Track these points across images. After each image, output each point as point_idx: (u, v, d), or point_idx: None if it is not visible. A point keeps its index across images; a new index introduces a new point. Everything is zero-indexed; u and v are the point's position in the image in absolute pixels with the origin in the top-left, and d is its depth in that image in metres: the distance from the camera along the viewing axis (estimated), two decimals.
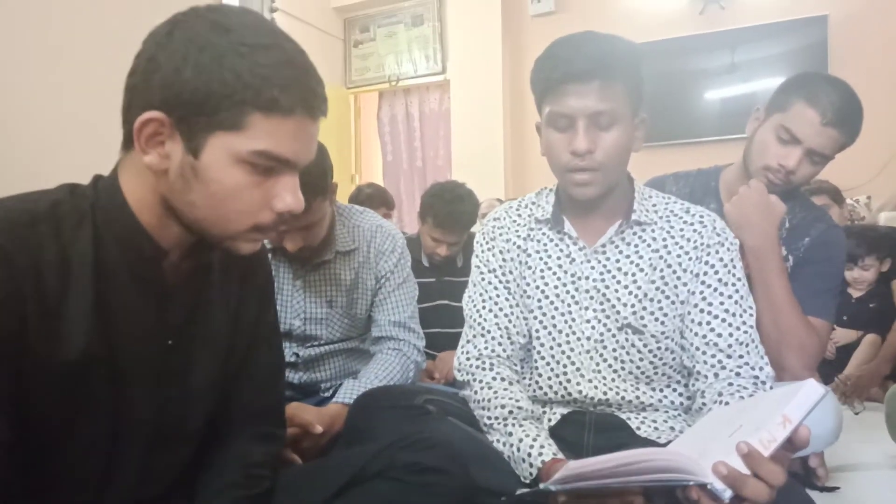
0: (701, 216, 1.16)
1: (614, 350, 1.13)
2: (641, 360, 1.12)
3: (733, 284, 1.11)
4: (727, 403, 1.02)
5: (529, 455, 1.00)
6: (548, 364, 1.16)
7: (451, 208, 2.25)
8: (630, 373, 1.13)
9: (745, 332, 1.09)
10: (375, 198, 3.19)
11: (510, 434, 1.05)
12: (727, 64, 4.36)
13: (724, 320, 1.09)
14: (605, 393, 1.13)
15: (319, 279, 1.51)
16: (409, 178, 5.57)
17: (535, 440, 1.02)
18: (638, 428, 1.12)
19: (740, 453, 0.73)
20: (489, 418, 1.09)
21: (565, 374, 1.15)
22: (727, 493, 0.73)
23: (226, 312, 0.91)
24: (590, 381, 1.13)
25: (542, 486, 0.87)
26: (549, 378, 1.16)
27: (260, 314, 0.97)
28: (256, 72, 0.71)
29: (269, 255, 1.46)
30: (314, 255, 1.48)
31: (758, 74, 4.16)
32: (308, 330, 1.52)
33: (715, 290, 1.11)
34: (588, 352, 1.14)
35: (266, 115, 0.72)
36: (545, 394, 1.17)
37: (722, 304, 1.10)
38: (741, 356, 1.07)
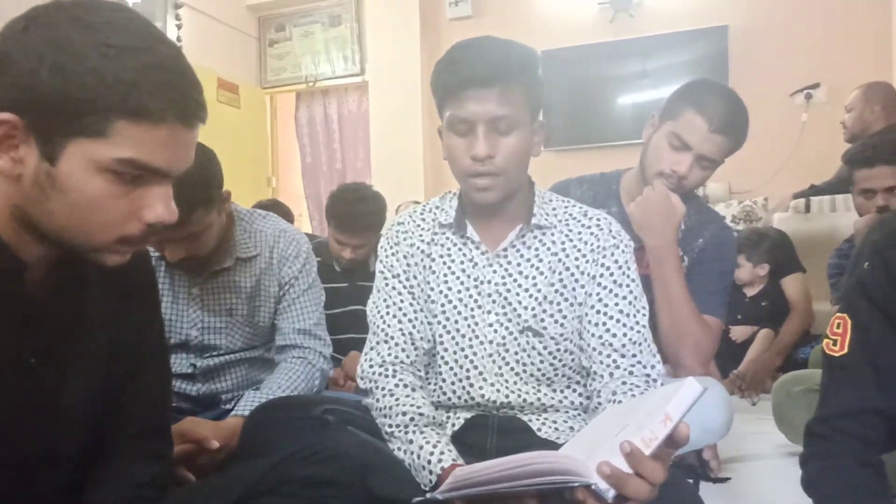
0: (598, 219, 1.19)
1: (516, 353, 1.14)
2: (542, 362, 1.14)
3: (627, 286, 1.14)
4: (620, 402, 1.05)
5: (430, 462, 1.00)
6: (451, 369, 1.16)
7: (352, 209, 2.21)
8: (531, 375, 1.14)
9: (639, 331, 1.12)
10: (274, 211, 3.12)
11: (411, 441, 1.04)
12: (638, 70, 4.53)
13: (618, 321, 1.12)
14: (507, 396, 1.14)
15: (218, 287, 1.45)
16: (328, 180, 5.49)
17: (435, 447, 1.01)
18: (539, 429, 1.13)
19: (623, 452, 0.75)
20: (390, 426, 1.08)
21: (468, 378, 1.15)
22: (610, 493, 0.74)
23: (104, 329, 0.85)
24: (492, 384, 1.14)
25: (428, 495, 0.87)
26: (453, 383, 1.16)
27: (143, 330, 0.92)
28: (122, 76, 0.66)
29: (164, 263, 1.39)
30: (211, 263, 1.42)
31: (667, 81, 4.33)
32: (206, 340, 1.46)
33: (610, 291, 1.14)
34: (491, 355, 1.14)
35: (133, 121, 0.67)
36: (449, 399, 1.17)
37: (617, 304, 1.13)
38: (634, 355, 1.10)
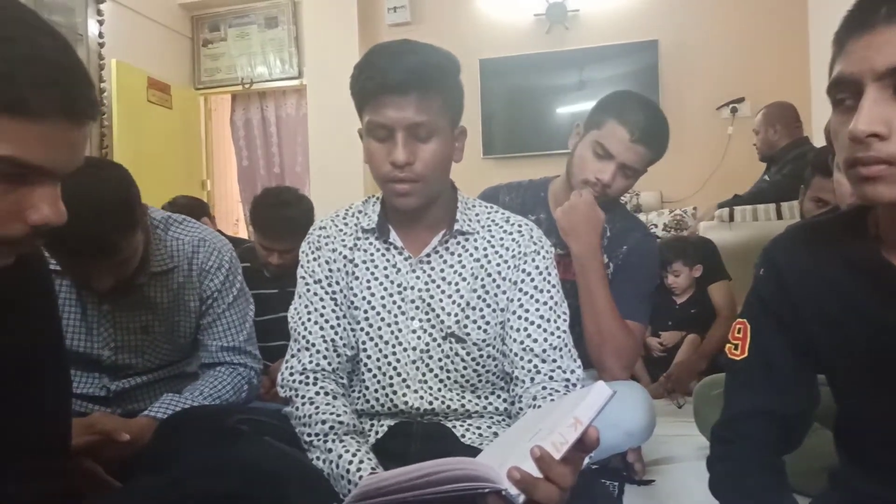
0: (519, 225, 1.20)
1: (440, 359, 1.13)
2: (465, 368, 1.13)
3: (548, 291, 1.15)
4: (540, 406, 1.05)
5: (348, 471, 0.97)
6: (374, 376, 1.14)
7: (274, 214, 2.16)
8: (455, 381, 1.14)
9: (559, 336, 1.13)
10: (195, 209, 3.00)
11: (330, 451, 1.02)
12: (576, 81, 4.62)
13: (539, 326, 1.12)
14: (430, 403, 1.13)
15: (131, 303, 1.34)
16: (266, 184, 5.37)
17: (354, 455, 0.99)
18: (463, 435, 1.13)
19: (533, 457, 0.74)
20: (309, 435, 1.05)
21: (391, 385, 1.13)
22: (520, 498, 0.74)
23: None
24: (416, 391, 1.13)
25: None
26: (376, 390, 1.14)
27: (35, 335, 0.86)
28: None
29: (69, 275, 1.30)
30: (120, 276, 1.27)
31: (603, 92, 4.29)
32: (120, 360, 1.35)
33: (531, 297, 1.14)
34: (414, 362, 1.13)
35: (9, 116, 0.63)
36: (372, 406, 1.15)
37: (538, 310, 1.13)
38: (554, 360, 1.11)
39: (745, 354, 0.90)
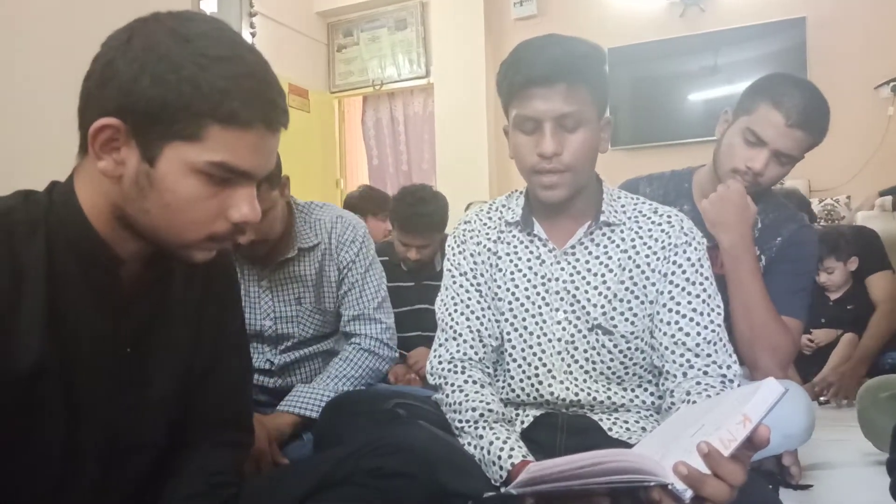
0: (669, 216, 1.17)
1: (585, 351, 1.13)
2: (612, 360, 1.12)
3: (701, 283, 1.12)
4: (695, 402, 1.02)
5: (500, 458, 1.00)
6: (519, 366, 1.16)
7: (413, 211, 2.24)
8: (601, 373, 1.13)
9: (713, 330, 1.09)
10: (366, 199, 3.19)
11: (481, 437, 1.05)
12: (710, 66, 4.38)
13: (691, 319, 1.09)
14: (576, 394, 1.13)
15: (285, 278, 1.50)
16: (395, 182, 5.55)
17: (505, 442, 1.01)
18: (610, 429, 1.12)
19: (701, 453, 0.73)
20: (460, 421, 1.09)
21: (537, 375, 1.15)
22: (687, 493, 0.73)
23: (187, 320, 0.90)
24: (561, 382, 1.13)
25: (503, 490, 0.87)
26: (521, 380, 1.16)
27: (224, 321, 0.96)
28: (215, 84, 0.70)
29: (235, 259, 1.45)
30: (275, 254, 1.48)
31: (740, 76, 4.17)
32: (280, 329, 1.51)
33: (683, 289, 1.11)
34: (559, 353, 1.14)
35: (224, 127, 0.72)
36: (517, 396, 1.17)
37: (690, 303, 1.10)
38: (709, 355, 1.07)
39: None
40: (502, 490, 0.88)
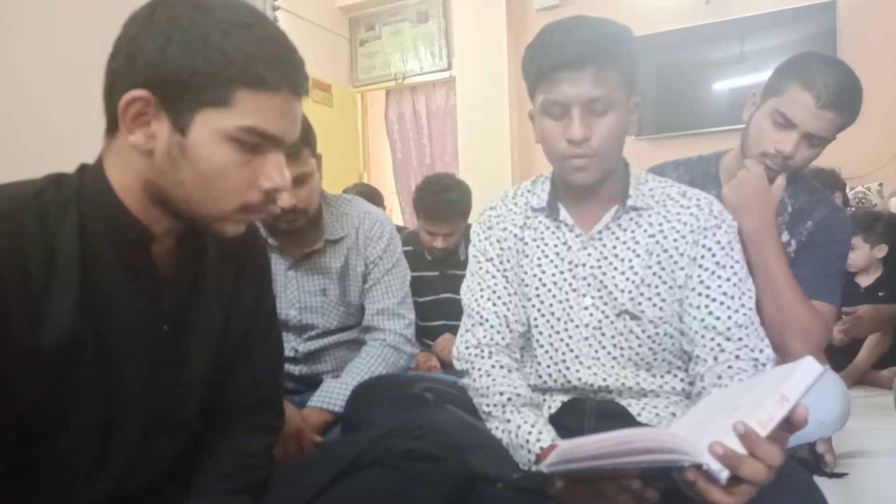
0: (698, 199, 1.15)
1: (613, 336, 1.12)
2: (640, 346, 1.11)
3: (731, 267, 1.10)
4: (727, 386, 1.01)
5: (528, 441, 1.00)
6: (546, 352, 1.16)
7: (437, 199, 2.26)
8: (629, 359, 1.12)
9: (745, 314, 1.08)
10: (364, 196, 3.20)
11: (508, 421, 1.05)
12: (736, 54, 4.30)
13: (722, 303, 1.08)
14: (604, 380, 1.12)
15: (311, 269, 1.53)
16: (418, 175, 5.55)
17: (533, 426, 1.01)
18: (639, 414, 1.11)
19: (737, 433, 0.71)
20: (488, 405, 1.09)
21: (564, 361, 1.14)
22: (724, 474, 0.71)
23: (221, 299, 0.91)
24: (589, 367, 1.13)
25: (533, 468, 0.87)
26: (549, 366, 1.15)
27: (257, 301, 0.97)
28: (241, 49, 0.72)
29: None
30: (304, 244, 1.49)
31: (767, 64, 4.09)
32: (304, 319, 1.53)
33: (713, 273, 1.10)
34: (587, 339, 1.13)
35: (253, 91, 0.73)
36: (545, 382, 1.16)
37: (720, 287, 1.09)
38: (740, 339, 1.06)
39: None
40: (533, 468, 0.88)
